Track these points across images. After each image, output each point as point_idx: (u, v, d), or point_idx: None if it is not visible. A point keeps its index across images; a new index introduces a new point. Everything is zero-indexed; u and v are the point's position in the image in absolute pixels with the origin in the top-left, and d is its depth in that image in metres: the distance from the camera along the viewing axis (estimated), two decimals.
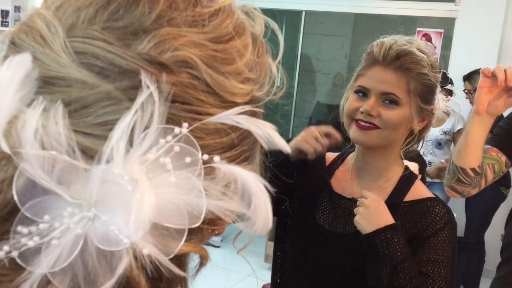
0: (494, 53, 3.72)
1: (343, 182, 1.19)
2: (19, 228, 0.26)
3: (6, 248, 0.26)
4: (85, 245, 0.26)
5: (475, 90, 3.11)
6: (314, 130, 1.15)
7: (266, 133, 0.31)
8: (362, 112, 1.06)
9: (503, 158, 1.41)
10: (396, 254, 1.00)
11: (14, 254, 0.26)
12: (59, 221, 0.26)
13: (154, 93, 0.28)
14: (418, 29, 4.15)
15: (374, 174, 1.15)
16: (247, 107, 0.32)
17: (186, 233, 0.28)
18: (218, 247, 3.78)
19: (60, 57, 0.29)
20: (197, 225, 0.28)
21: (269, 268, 1.31)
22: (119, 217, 0.26)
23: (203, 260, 0.34)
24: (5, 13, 4.29)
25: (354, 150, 1.20)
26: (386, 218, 1.04)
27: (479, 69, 1.31)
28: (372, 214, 1.04)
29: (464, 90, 3.39)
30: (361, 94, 1.08)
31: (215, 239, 3.77)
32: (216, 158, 0.30)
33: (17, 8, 4.39)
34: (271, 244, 3.25)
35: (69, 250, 0.26)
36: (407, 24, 4.80)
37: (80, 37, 0.29)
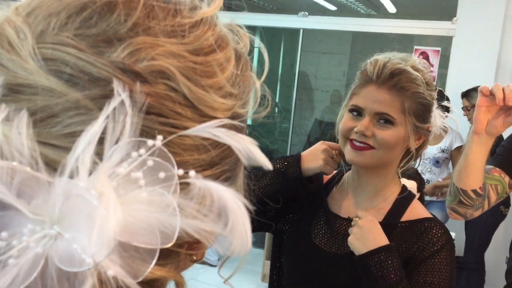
0: (491, 71, 3.73)
1: (339, 201, 1.17)
2: None
3: None
4: (45, 265, 0.24)
5: (473, 107, 3.11)
6: (329, 149, 1.14)
7: (246, 147, 0.29)
8: (356, 132, 1.04)
9: (507, 178, 1.37)
10: (390, 276, 0.98)
11: None
12: (18, 238, 0.24)
13: (126, 102, 0.26)
14: (415, 47, 4.17)
15: (371, 193, 1.13)
16: (226, 121, 0.30)
17: (157, 254, 0.26)
18: (215, 266, 3.73)
19: (28, 63, 0.27)
20: (169, 245, 0.26)
21: None
22: (83, 235, 0.24)
23: (179, 287, 0.32)
24: None
25: (350, 169, 1.18)
26: (380, 239, 1.02)
27: (478, 86, 1.29)
28: (366, 235, 1.02)
29: (462, 108, 3.39)
30: (355, 113, 1.07)
31: (211, 258, 3.72)
32: (192, 172, 0.28)
33: None
34: (269, 263, 3.21)
35: (28, 270, 0.24)
36: (404, 42, 4.83)
37: (50, 43, 0.28)
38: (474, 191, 1.29)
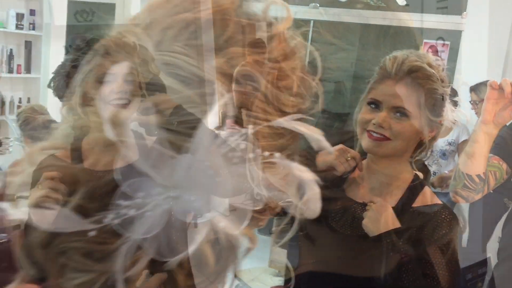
0: (499, 65, 3.77)
1: (355, 187, 1.25)
2: (120, 201, 0.32)
3: (111, 216, 0.32)
4: (170, 218, 0.33)
5: (481, 101, 3.16)
6: (346, 151, 1.21)
7: (315, 136, 0.38)
8: (374, 124, 1.12)
9: (504, 165, 1.51)
10: (401, 256, 1.07)
11: (117, 221, 0.32)
12: (150, 198, 0.33)
13: (227, 99, 0.35)
14: (424, 40, 4.20)
15: (385, 180, 1.21)
16: (300, 115, 0.39)
17: (250, 215, 0.35)
18: None
19: (151, 66, 0.36)
20: (259, 207, 0.34)
21: (273, 273, 1.35)
22: (201, 196, 0.32)
23: (252, 243, 0.40)
24: (20, 16, 4.38)
25: (366, 157, 1.26)
26: (392, 223, 1.11)
27: (486, 80, 1.39)
28: (379, 218, 1.11)
29: (470, 101, 3.44)
30: (373, 106, 1.15)
31: None
32: (277, 154, 0.36)
33: (32, 12, 4.47)
34: (275, 249, 3.28)
35: (158, 221, 0.32)
36: (413, 35, 4.86)
37: (167, 51, 0.36)
38: (478, 176, 1.41)
